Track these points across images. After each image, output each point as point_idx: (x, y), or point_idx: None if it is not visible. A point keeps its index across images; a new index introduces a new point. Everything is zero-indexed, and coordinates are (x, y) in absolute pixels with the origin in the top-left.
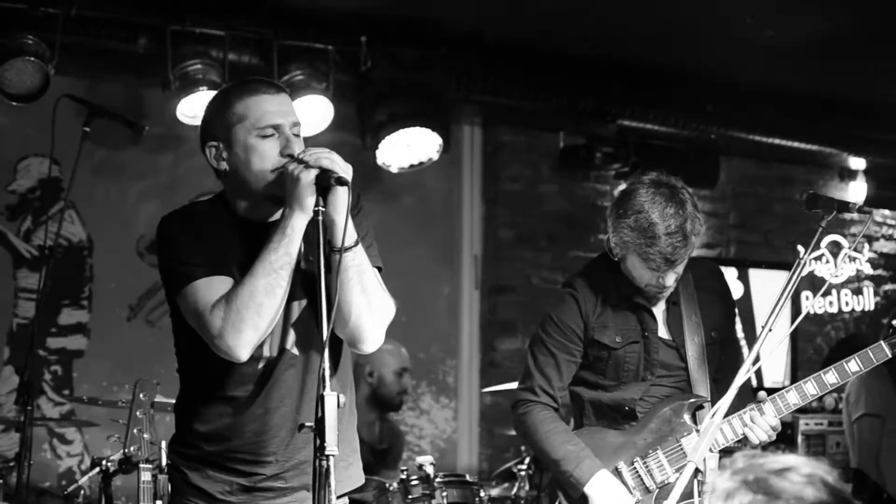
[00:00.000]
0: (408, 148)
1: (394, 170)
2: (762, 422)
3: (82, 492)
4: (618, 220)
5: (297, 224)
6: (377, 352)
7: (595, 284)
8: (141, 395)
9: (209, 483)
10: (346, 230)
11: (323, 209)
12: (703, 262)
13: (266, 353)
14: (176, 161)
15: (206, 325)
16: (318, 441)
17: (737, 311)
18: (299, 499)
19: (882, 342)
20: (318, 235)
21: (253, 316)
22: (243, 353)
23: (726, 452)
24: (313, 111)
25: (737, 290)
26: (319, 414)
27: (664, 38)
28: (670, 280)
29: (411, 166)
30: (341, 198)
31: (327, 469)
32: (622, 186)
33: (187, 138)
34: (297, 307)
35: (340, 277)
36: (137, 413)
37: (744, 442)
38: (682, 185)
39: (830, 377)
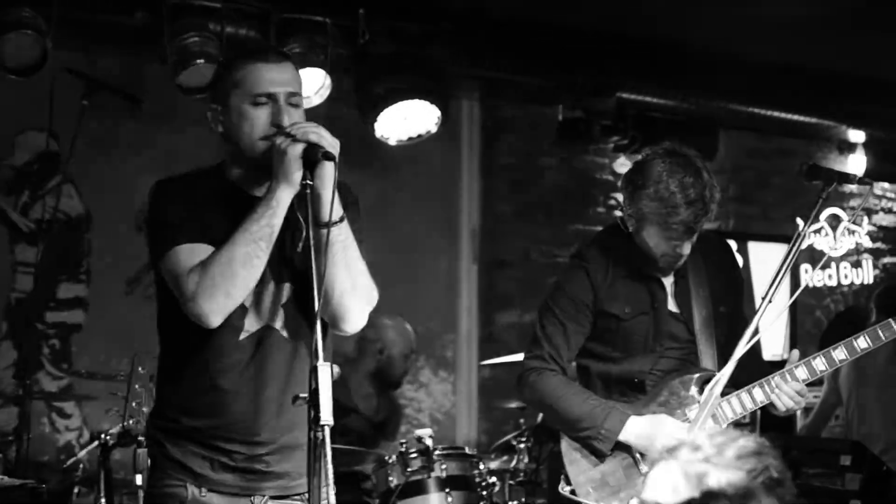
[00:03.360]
0: (406, 121)
1: (392, 142)
2: (787, 388)
3: (81, 465)
4: (636, 192)
5: (283, 197)
6: (391, 332)
7: (605, 256)
8: (139, 369)
9: (189, 458)
10: (332, 205)
11: (310, 183)
12: (712, 237)
13: (247, 325)
14: (174, 134)
15: (181, 288)
16: (311, 412)
17: (744, 285)
18: (281, 486)
19: (890, 319)
20: (307, 209)
21: (227, 283)
22: (214, 318)
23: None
24: (311, 84)
25: None
26: (313, 385)
27: (663, 12)
28: (686, 248)
29: (410, 139)
30: (328, 172)
31: (322, 440)
32: (623, 162)
33: (186, 112)
34: (287, 290)
35: (325, 253)
36: (136, 386)
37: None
38: (695, 154)
39: (839, 353)
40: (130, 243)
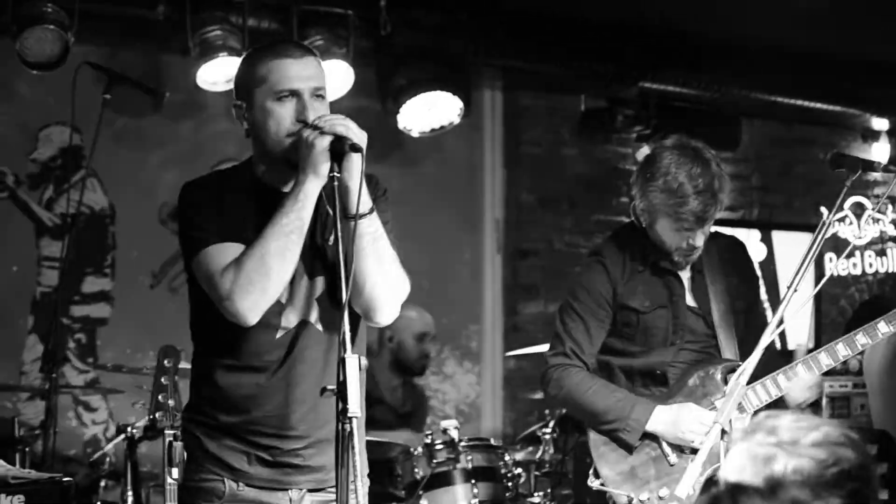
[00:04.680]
0: (428, 112)
1: (415, 134)
2: (800, 381)
3: (108, 459)
4: (646, 185)
5: (311, 189)
6: (398, 318)
7: (622, 251)
8: (165, 362)
9: (226, 452)
10: (360, 196)
11: (338, 175)
12: (726, 235)
13: (284, 322)
14: (197, 128)
15: (216, 288)
16: (339, 404)
17: (761, 283)
18: (318, 479)
19: None
20: (335, 201)
21: (262, 278)
22: (251, 315)
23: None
24: (333, 76)
25: (760, 253)
26: (341, 377)
27: (686, 0)
28: (699, 240)
29: (432, 130)
30: (356, 164)
31: (350, 432)
32: (645, 151)
33: (208, 105)
34: (321, 283)
35: (355, 244)
36: (162, 380)
37: (783, 401)
38: (704, 146)
39: (861, 338)
40: (155, 236)
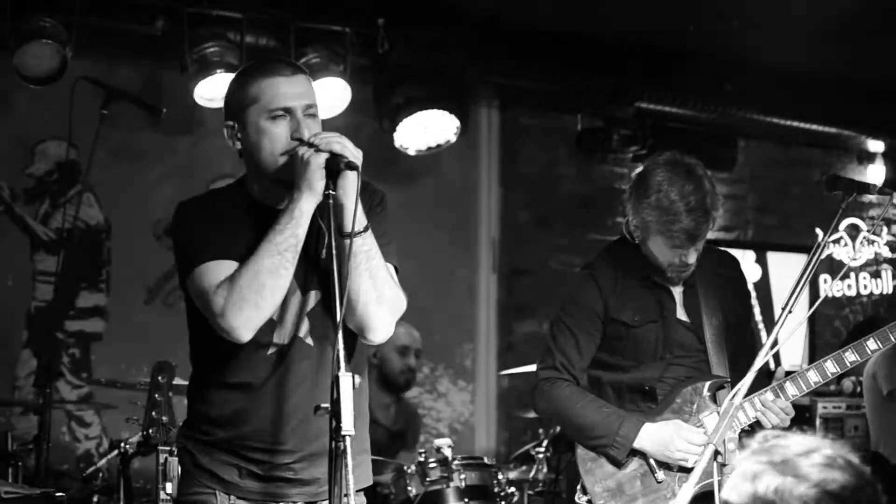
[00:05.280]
0: (425, 130)
1: (411, 152)
2: (773, 405)
3: (101, 474)
4: (638, 202)
5: (306, 207)
6: None
7: (614, 266)
8: (159, 378)
9: (219, 466)
10: (355, 215)
11: (333, 193)
12: (719, 251)
13: (277, 339)
14: (194, 144)
15: (209, 305)
16: (333, 422)
17: (753, 299)
18: (310, 493)
19: None
20: (330, 219)
21: (255, 296)
22: (244, 333)
23: (746, 433)
24: (330, 94)
25: (755, 274)
26: (335, 395)
27: (682, 21)
28: (692, 258)
29: (429, 149)
30: (351, 182)
31: (343, 450)
32: (639, 169)
33: (205, 121)
34: (313, 298)
35: (350, 263)
36: (156, 395)
37: (757, 426)
38: (696, 162)
39: (850, 355)
40: (150, 252)
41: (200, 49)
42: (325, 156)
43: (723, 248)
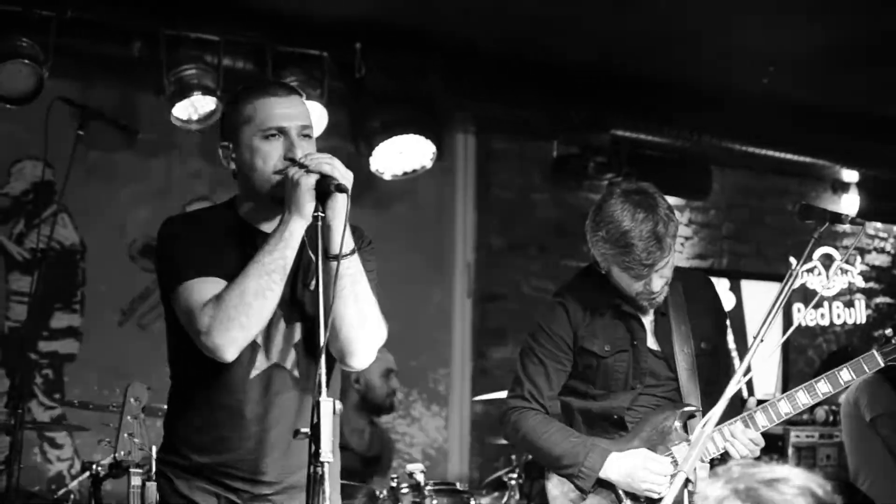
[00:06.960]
0: (401, 155)
1: (387, 177)
2: (742, 436)
3: (72, 496)
4: (593, 235)
5: (295, 228)
6: None
7: (584, 294)
8: (132, 400)
9: (199, 494)
10: (343, 237)
11: (322, 215)
12: (693, 272)
13: (258, 362)
14: (169, 166)
15: (194, 323)
16: (312, 447)
17: (728, 322)
18: None
19: (874, 351)
20: (317, 240)
21: (241, 316)
22: (229, 352)
23: (717, 462)
24: None
25: (729, 302)
26: (315, 420)
27: (658, 49)
28: (657, 285)
29: (405, 174)
30: (340, 204)
31: (321, 476)
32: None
33: (181, 143)
34: (299, 330)
35: (335, 286)
36: (128, 417)
37: (727, 455)
38: (653, 191)
39: (822, 386)
40: (124, 273)
41: (178, 71)
42: (315, 177)
43: (696, 269)
